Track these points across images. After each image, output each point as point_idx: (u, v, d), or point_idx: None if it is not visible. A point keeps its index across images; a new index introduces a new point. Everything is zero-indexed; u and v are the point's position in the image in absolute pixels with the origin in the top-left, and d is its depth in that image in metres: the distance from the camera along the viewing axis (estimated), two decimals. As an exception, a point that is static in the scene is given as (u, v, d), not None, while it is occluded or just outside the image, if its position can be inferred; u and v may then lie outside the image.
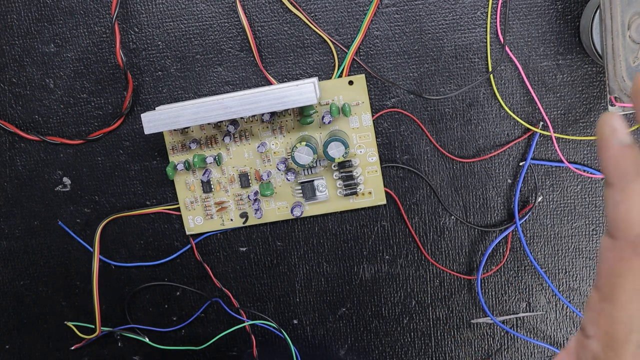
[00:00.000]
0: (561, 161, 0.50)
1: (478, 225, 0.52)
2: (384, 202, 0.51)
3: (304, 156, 0.48)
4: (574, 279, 0.53)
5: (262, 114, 0.49)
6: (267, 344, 0.55)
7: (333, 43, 0.49)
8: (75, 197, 0.53)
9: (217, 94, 0.50)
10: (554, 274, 0.53)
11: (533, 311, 0.54)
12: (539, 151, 0.51)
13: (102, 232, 0.53)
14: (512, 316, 0.54)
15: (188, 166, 0.50)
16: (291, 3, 0.49)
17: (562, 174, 0.51)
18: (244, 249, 0.53)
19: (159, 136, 0.51)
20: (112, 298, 0.54)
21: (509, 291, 0.53)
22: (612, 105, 0.43)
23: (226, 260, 0.54)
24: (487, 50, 0.49)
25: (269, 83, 0.50)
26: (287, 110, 0.49)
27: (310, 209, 0.51)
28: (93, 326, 0.54)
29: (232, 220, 0.52)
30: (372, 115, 0.50)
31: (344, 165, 0.50)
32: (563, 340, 0.54)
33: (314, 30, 0.49)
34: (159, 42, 0.50)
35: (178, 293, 0.54)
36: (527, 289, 0.53)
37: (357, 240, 0.53)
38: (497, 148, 0.51)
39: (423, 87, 0.50)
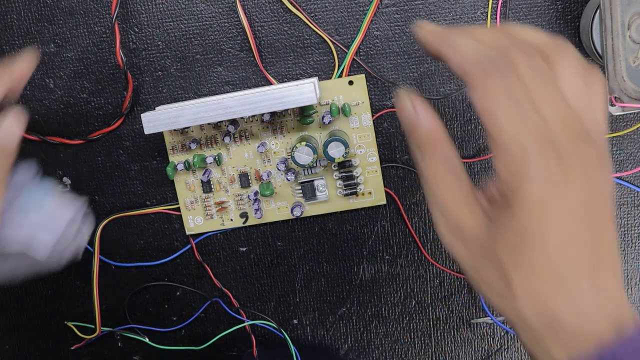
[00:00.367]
0: (561, 161, 0.50)
1: (478, 225, 0.52)
2: (384, 202, 0.51)
3: (304, 156, 0.48)
4: (574, 279, 0.53)
5: (262, 114, 0.49)
6: (267, 344, 0.55)
7: (333, 43, 0.49)
8: (75, 197, 0.53)
9: (217, 94, 0.50)
10: (554, 274, 0.53)
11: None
12: (539, 151, 0.51)
13: (102, 232, 0.53)
14: (512, 316, 0.54)
15: (188, 166, 0.50)
16: (291, 3, 0.49)
17: (562, 174, 0.51)
18: (244, 249, 0.53)
19: (159, 136, 0.51)
20: (112, 298, 0.54)
21: (509, 291, 0.53)
22: (612, 105, 0.43)
23: (226, 260, 0.54)
24: (487, 50, 0.49)
25: (269, 83, 0.50)
26: (287, 110, 0.49)
27: (310, 209, 0.51)
28: (93, 326, 0.54)
29: (232, 220, 0.52)
30: (372, 115, 0.50)
31: (344, 165, 0.50)
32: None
33: (314, 30, 0.49)
34: (159, 42, 0.50)
35: (178, 293, 0.54)
36: (527, 289, 0.53)
37: (357, 240, 0.53)
38: (497, 148, 0.51)
39: (423, 87, 0.50)
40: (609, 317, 0.28)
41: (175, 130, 0.50)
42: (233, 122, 0.49)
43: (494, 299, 0.31)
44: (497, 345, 0.55)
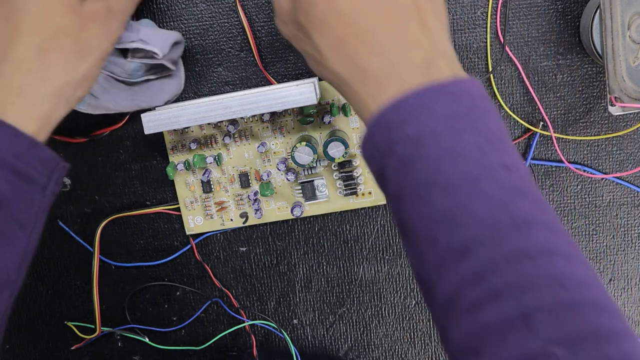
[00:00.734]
0: (561, 161, 0.50)
1: (478, 225, 0.52)
2: (384, 202, 0.51)
3: (304, 156, 0.48)
4: (574, 279, 0.53)
5: (262, 114, 0.49)
6: (267, 344, 0.55)
7: (333, 43, 0.49)
8: (76, 196, 0.53)
9: (217, 94, 0.50)
10: (554, 274, 0.53)
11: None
12: (539, 151, 0.51)
13: (102, 232, 0.53)
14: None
15: (188, 166, 0.50)
16: (291, 3, 0.49)
17: (562, 174, 0.51)
18: (244, 249, 0.53)
19: (159, 136, 0.51)
20: (112, 298, 0.54)
21: (509, 291, 0.53)
22: (612, 105, 0.43)
23: (226, 260, 0.54)
24: (487, 50, 0.49)
25: (269, 83, 0.50)
26: (287, 110, 0.49)
27: (310, 209, 0.51)
28: (93, 326, 0.54)
29: (232, 220, 0.52)
30: (372, 115, 0.50)
31: (344, 165, 0.50)
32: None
33: (314, 30, 0.49)
34: (159, 42, 0.50)
35: (178, 293, 0.54)
36: (527, 289, 0.53)
37: (357, 240, 0.53)
38: (497, 148, 0.51)
39: (423, 87, 0.50)
40: (418, 67, 0.30)
41: (175, 130, 0.50)
42: (233, 122, 0.49)
43: (313, 66, 0.35)
44: (497, 345, 0.55)
